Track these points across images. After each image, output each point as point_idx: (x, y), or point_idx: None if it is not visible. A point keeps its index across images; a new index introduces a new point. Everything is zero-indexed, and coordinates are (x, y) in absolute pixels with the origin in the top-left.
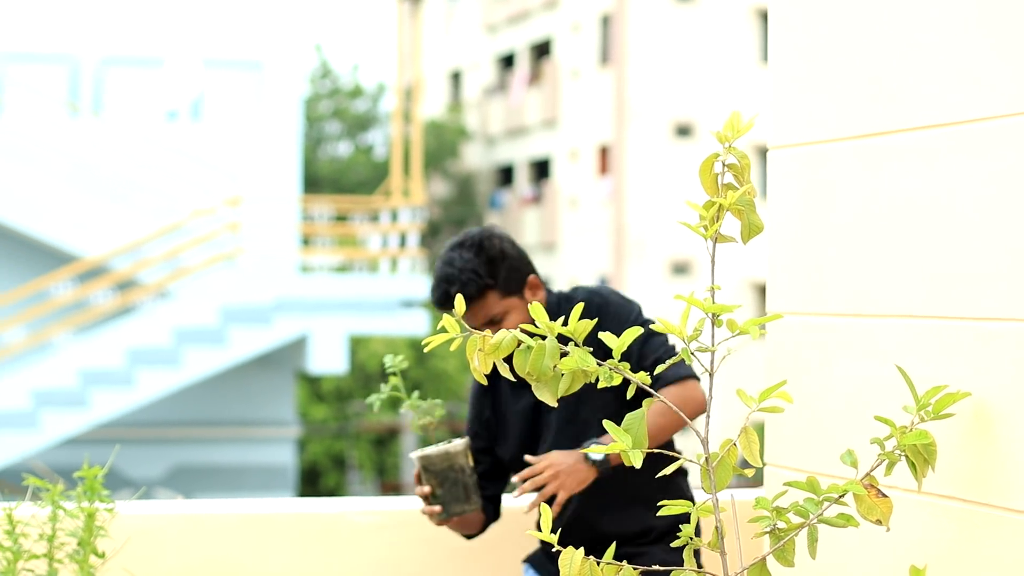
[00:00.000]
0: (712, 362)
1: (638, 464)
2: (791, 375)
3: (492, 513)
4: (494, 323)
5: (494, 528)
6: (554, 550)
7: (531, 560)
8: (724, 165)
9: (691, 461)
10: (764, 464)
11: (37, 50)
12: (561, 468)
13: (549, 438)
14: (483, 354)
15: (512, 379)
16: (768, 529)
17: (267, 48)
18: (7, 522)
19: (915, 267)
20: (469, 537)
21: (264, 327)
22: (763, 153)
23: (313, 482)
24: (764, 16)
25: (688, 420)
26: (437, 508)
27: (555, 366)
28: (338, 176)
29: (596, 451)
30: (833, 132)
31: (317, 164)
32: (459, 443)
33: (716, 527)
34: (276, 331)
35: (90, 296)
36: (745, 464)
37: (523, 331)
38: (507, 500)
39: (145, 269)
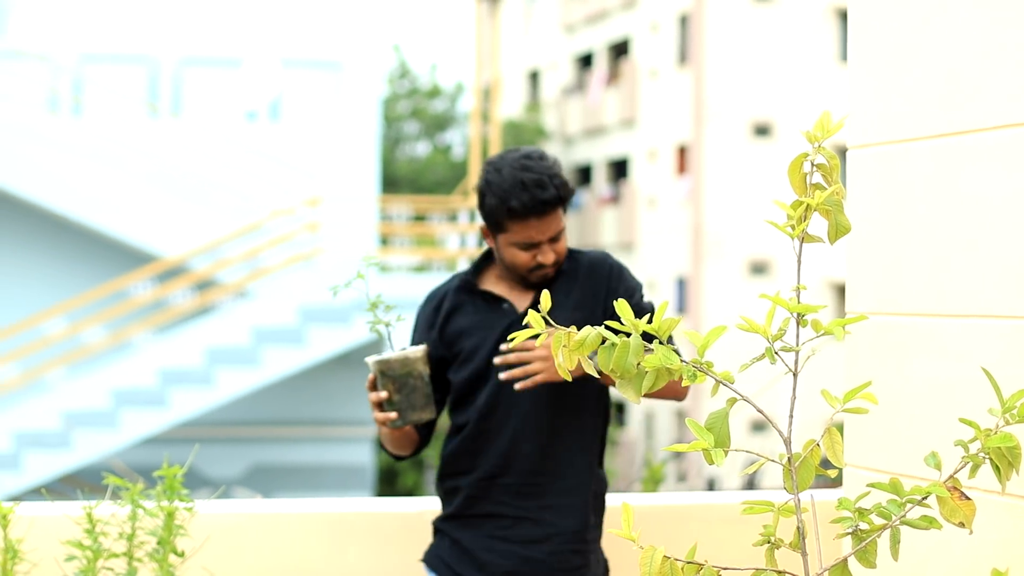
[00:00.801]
0: (796, 362)
1: (720, 463)
2: (871, 375)
3: (425, 437)
4: (554, 240)
5: None
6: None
7: (429, 561)
8: (813, 165)
9: (774, 461)
10: (845, 465)
11: (116, 51)
12: (542, 358)
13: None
14: (568, 351)
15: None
16: (850, 530)
17: (346, 48)
18: (87, 521)
19: (996, 267)
20: (399, 459)
21: (343, 327)
22: (842, 153)
23: (391, 482)
24: (843, 15)
25: (678, 398)
26: (393, 414)
27: (639, 364)
28: (416, 176)
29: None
30: (912, 132)
31: (395, 164)
32: (418, 349)
33: (798, 527)
34: (354, 331)
35: (170, 296)
36: (827, 464)
37: (607, 328)
38: None
39: (224, 269)
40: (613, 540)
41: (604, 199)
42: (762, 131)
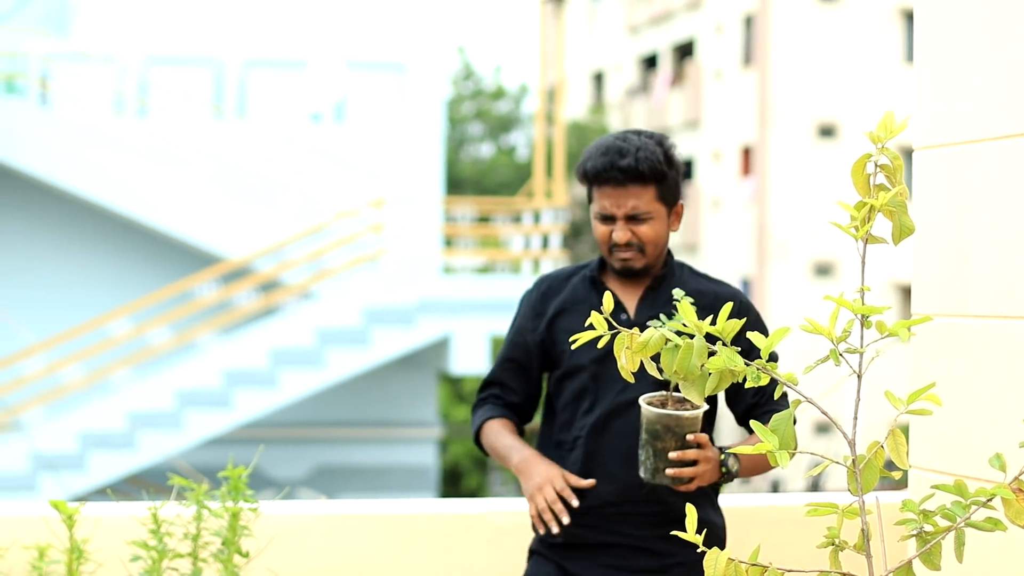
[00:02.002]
0: (860, 364)
1: (784, 465)
2: (937, 377)
3: (522, 422)
4: (634, 220)
5: None
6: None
7: (537, 552)
8: (876, 165)
9: (838, 463)
10: (909, 467)
11: (181, 53)
12: (711, 463)
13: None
14: (631, 352)
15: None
16: (915, 532)
17: (410, 50)
18: (152, 521)
19: None
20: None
21: (407, 328)
22: (907, 154)
23: (455, 483)
24: (909, 16)
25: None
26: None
27: (702, 365)
28: (480, 177)
29: (741, 451)
30: (978, 133)
31: (460, 165)
32: (695, 412)
33: (862, 529)
34: (419, 332)
35: (234, 297)
36: (891, 466)
37: (673, 330)
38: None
39: (289, 270)
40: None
41: None
42: (827, 132)
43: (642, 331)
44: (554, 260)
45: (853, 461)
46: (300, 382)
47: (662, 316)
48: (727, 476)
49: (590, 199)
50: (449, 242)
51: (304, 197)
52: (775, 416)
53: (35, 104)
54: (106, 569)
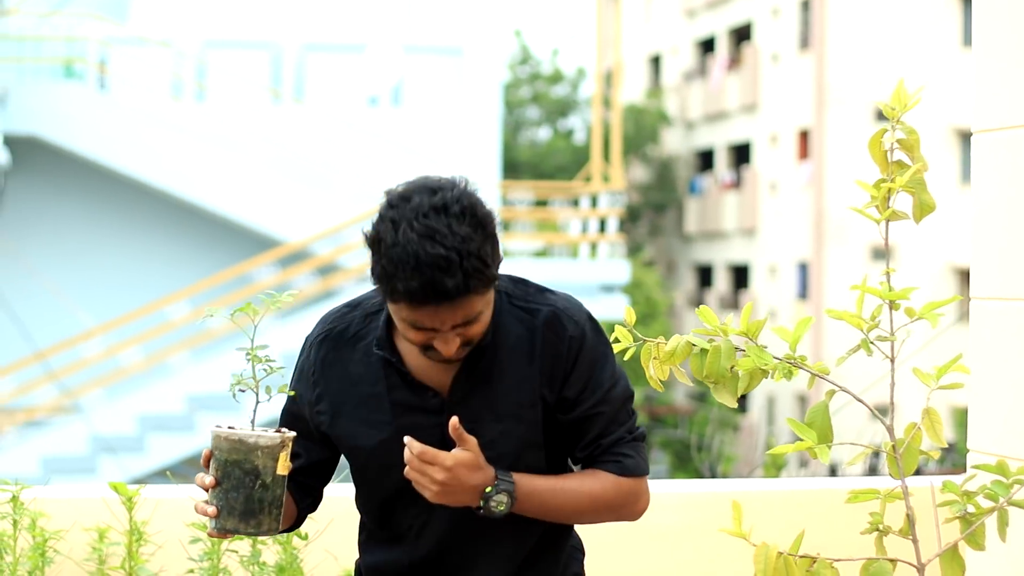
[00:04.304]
0: (892, 349)
1: (826, 459)
2: (995, 360)
3: (309, 506)
4: (464, 325)
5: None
6: None
7: None
8: (893, 141)
9: (878, 449)
10: (944, 444)
11: (239, 37)
12: (455, 481)
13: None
14: (659, 362)
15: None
16: (959, 514)
17: (467, 34)
18: None
19: None
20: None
21: None
22: (966, 137)
23: None
24: None
25: (612, 520)
26: (212, 510)
27: (732, 367)
28: (538, 161)
29: (529, 484)
30: None
31: (517, 149)
32: (268, 436)
33: (907, 514)
34: None
35: (292, 280)
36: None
37: (696, 333)
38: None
39: (346, 253)
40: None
41: (725, 184)
42: (884, 115)
43: (457, 413)
44: (611, 244)
45: (893, 446)
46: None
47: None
48: (485, 510)
49: (386, 296)
50: (506, 226)
51: (361, 180)
52: (812, 408)
53: (93, 89)
54: (165, 551)
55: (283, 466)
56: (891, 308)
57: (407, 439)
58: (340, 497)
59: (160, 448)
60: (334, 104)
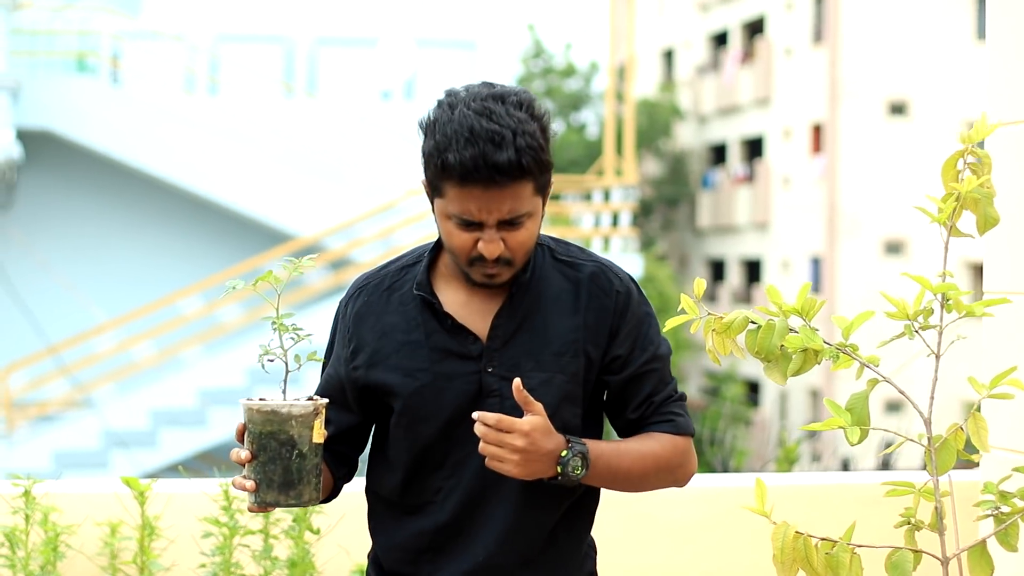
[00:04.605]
0: (939, 344)
1: (855, 442)
2: (1011, 356)
3: (345, 475)
4: (509, 225)
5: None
6: None
7: None
8: (966, 164)
9: (914, 441)
10: (989, 450)
11: (252, 31)
12: (534, 448)
13: (492, 409)
14: (718, 335)
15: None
16: (990, 512)
17: (480, 28)
18: (224, 498)
19: None
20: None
21: None
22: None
23: None
24: None
25: (668, 485)
26: (250, 484)
27: (782, 345)
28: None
29: (601, 449)
30: None
31: None
32: (302, 406)
33: (936, 508)
34: None
35: (305, 275)
36: (970, 448)
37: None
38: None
39: (359, 248)
40: (749, 517)
41: (739, 178)
42: (898, 109)
43: (497, 366)
44: (624, 238)
45: (929, 440)
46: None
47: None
48: (563, 477)
49: (435, 191)
50: None
51: (374, 175)
52: (853, 395)
53: (106, 82)
54: (177, 545)
55: (318, 434)
56: (943, 305)
57: (477, 413)
58: (353, 492)
59: (172, 443)
60: (347, 98)
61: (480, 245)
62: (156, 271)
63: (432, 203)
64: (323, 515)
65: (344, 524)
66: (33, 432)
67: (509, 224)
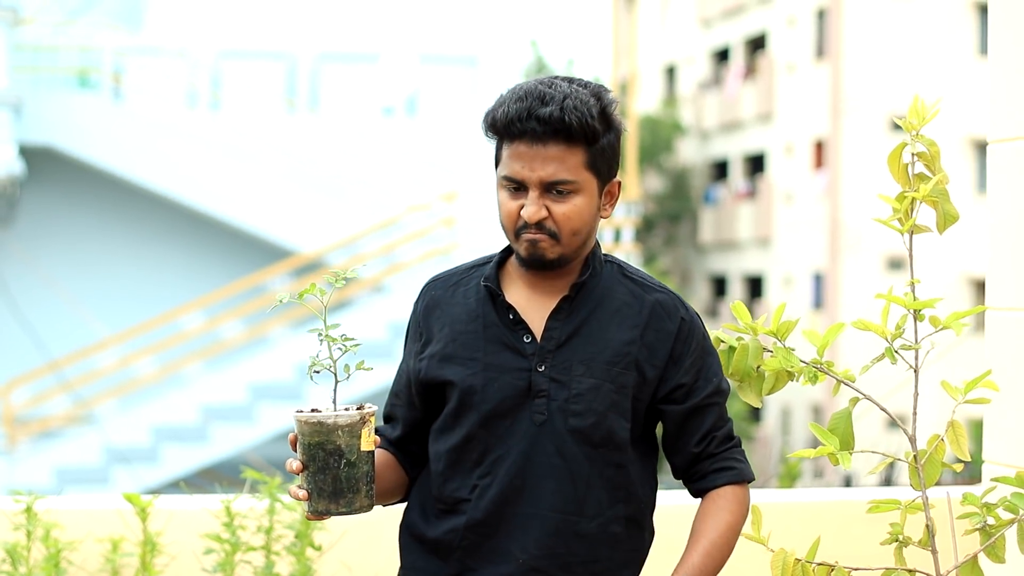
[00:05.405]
0: (916, 359)
1: (847, 466)
2: (1011, 371)
3: (411, 471)
4: (552, 192)
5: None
6: None
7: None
8: (913, 154)
9: (899, 459)
10: (968, 457)
11: (254, 47)
12: None
13: (540, 409)
14: None
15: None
16: (979, 526)
17: (483, 43)
18: (225, 514)
19: None
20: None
21: None
22: (982, 147)
23: None
24: (982, 8)
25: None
26: (303, 494)
27: (758, 367)
28: None
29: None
30: None
31: None
32: (347, 415)
33: (927, 525)
34: None
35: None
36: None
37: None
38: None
39: (361, 264)
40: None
41: (741, 194)
42: (900, 125)
43: (548, 366)
44: (626, 253)
45: (915, 456)
46: (373, 375)
47: (576, 367)
48: None
49: (496, 160)
50: None
51: (376, 191)
52: (835, 414)
53: (108, 98)
54: (179, 562)
55: (367, 442)
56: (915, 318)
57: None
58: None
59: (174, 459)
60: (349, 114)
61: (524, 212)
62: (158, 287)
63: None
64: (325, 531)
65: (346, 540)
66: (35, 448)
67: (554, 192)
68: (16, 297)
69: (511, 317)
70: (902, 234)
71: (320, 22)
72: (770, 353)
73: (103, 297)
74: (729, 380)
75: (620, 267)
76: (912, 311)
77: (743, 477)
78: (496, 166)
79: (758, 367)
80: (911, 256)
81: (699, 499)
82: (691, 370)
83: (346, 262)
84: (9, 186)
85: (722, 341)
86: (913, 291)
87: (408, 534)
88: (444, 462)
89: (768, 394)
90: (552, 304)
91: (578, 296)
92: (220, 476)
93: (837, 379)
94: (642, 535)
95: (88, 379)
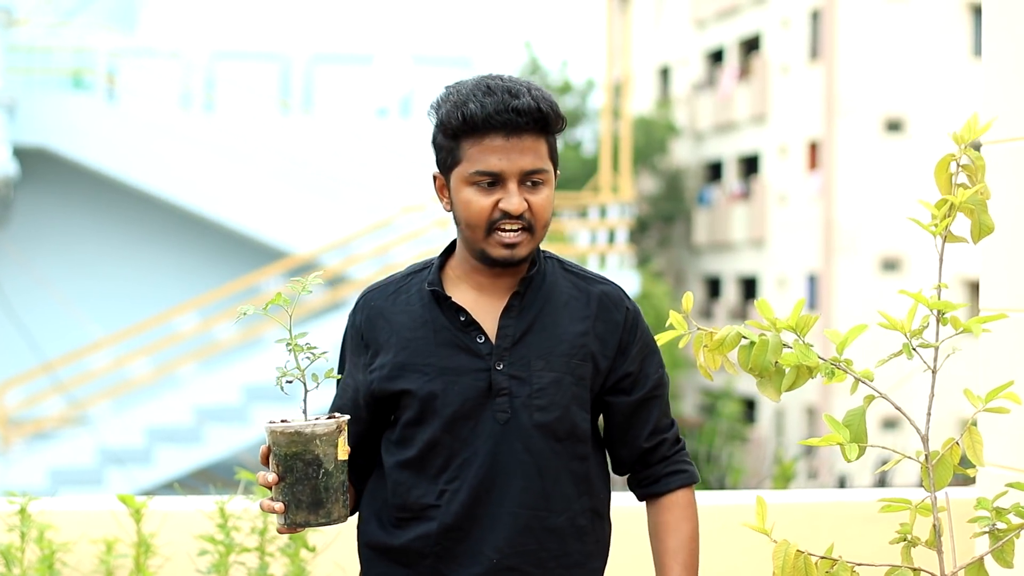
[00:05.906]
0: (935, 359)
1: (853, 458)
2: (1008, 373)
3: (358, 484)
4: (528, 183)
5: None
6: None
7: None
8: (959, 165)
9: (911, 458)
10: (985, 464)
11: (248, 48)
12: None
13: (502, 407)
14: (709, 351)
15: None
16: (987, 529)
17: (476, 44)
18: (219, 516)
19: None
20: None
21: None
22: (975, 149)
23: None
24: (976, 9)
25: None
26: (279, 506)
27: (777, 362)
28: None
29: None
30: None
31: None
32: (324, 424)
33: (934, 525)
34: None
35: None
36: (965, 463)
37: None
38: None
39: (355, 265)
40: (746, 534)
41: (735, 195)
42: (894, 127)
43: (507, 364)
44: (620, 255)
45: (926, 457)
46: None
47: (533, 362)
48: None
49: (453, 161)
50: None
51: (370, 192)
52: (849, 411)
53: (102, 100)
54: (173, 563)
55: (343, 451)
56: (939, 320)
57: None
58: None
59: (168, 460)
60: (343, 115)
61: (502, 203)
62: (152, 288)
63: (448, 186)
64: (319, 533)
65: (340, 541)
66: (29, 449)
67: (529, 183)
68: (10, 298)
69: (462, 319)
70: (935, 236)
71: (314, 23)
72: (789, 349)
73: (97, 298)
74: (749, 375)
75: (559, 262)
76: (936, 311)
77: (694, 480)
78: (446, 167)
79: (776, 363)
80: (941, 259)
81: (644, 501)
82: (637, 359)
83: (340, 263)
84: (3, 187)
85: (744, 337)
86: (939, 294)
87: (367, 547)
88: (405, 471)
89: (788, 390)
90: (500, 303)
91: (527, 292)
92: (214, 477)
93: (856, 377)
94: (604, 527)
95: (82, 380)
